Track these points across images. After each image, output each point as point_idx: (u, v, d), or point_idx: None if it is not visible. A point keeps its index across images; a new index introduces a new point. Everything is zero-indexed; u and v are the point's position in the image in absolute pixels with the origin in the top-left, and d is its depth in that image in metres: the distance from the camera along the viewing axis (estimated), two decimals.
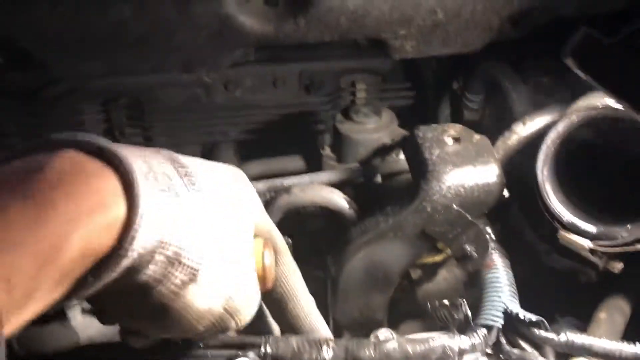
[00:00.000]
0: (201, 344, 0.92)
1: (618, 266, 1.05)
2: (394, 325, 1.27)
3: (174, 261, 0.68)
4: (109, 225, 0.61)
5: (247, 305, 0.80)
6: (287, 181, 1.27)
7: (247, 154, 1.92)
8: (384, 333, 1.10)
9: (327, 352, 0.93)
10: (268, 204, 1.18)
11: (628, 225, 1.02)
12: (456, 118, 1.75)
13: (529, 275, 1.23)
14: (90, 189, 0.61)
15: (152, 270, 0.67)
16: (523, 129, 1.22)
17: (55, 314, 1.21)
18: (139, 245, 0.63)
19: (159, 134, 1.85)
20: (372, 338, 1.07)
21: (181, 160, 0.77)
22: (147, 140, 1.86)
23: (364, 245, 1.11)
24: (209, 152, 1.94)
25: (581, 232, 1.05)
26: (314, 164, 1.68)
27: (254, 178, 1.71)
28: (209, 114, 1.85)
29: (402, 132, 1.55)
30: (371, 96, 1.87)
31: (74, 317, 1.21)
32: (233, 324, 0.80)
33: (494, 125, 1.68)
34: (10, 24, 1.17)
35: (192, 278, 0.70)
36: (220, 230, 0.75)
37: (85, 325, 1.22)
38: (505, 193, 1.21)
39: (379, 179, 1.36)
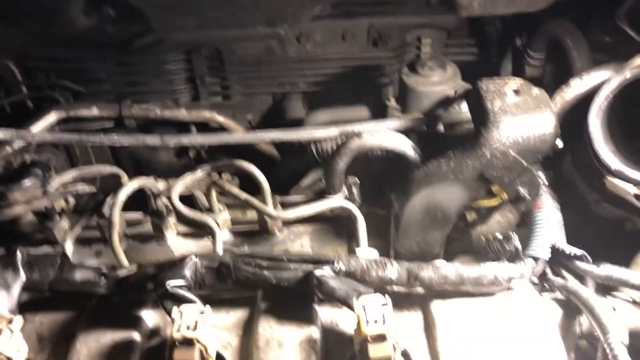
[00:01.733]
0: (285, 258, 1.09)
1: None
2: (449, 261, 1.41)
3: None
4: None
5: None
6: (357, 127, 1.39)
7: (315, 104, 2.07)
8: (440, 262, 1.24)
9: (392, 270, 1.07)
10: (340, 147, 1.31)
11: None
12: (518, 74, 1.83)
13: (578, 222, 1.34)
14: None
15: None
16: (580, 84, 1.30)
17: (155, 235, 1.40)
18: None
19: (235, 82, 2.02)
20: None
21: None
22: (225, 89, 2.03)
23: (426, 185, 1.23)
24: (280, 101, 2.10)
25: (627, 179, 1.14)
26: (378, 115, 1.81)
27: (322, 123, 1.86)
28: (281, 65, 2.00)
29: (465, 86, 1.65)
30: (436, 51, 1.97)
31: (170, 237, 1.40)
32: None
33: (554, 81, 1.76)
34: None
35: None
36: None
37: (178, 244, 1.41)
38: (560, 143, 1.32)
39: (441, 127, 1.47)
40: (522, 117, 1.16)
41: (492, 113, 1.17)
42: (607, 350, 0.90)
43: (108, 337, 1.03)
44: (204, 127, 2.10)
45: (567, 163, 1.39)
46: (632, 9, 0.82)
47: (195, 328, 0.94)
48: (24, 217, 1.41)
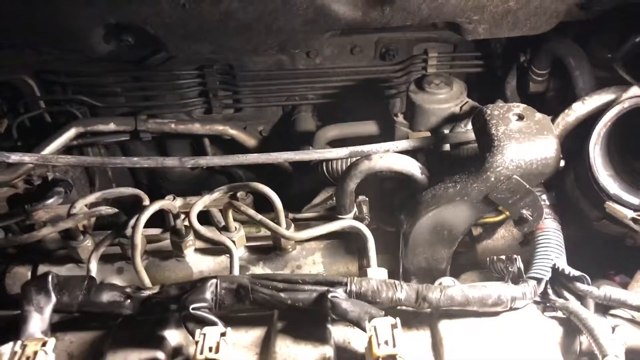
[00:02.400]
0: (300, 280, 1.15)
1: None
2: (455, 275, 1.46)
3: None
4: None
5: None
6: (367, 148, 1.45)
7: (324, 115, 2.13)
8: (447, 280, 1.30)
9: (401, 292, 1.13)
10: (350, 169, 1.37)
11: None
12: (523, 88, 1.89)
13: (581, 236, 1.39)
14: None
15: None
16: (582, 107, 1.35)
17: (174, 252, 1.47)
18: None
19: (246, 95, 2.08)
20: (437, 283, 1.28)
21: None
22: (236, 102, 2.09)
23: (433, 206, 1.29)
24: (290, 113, 2.16)
25: (625, 203, 1.20)
26: (386, 129, 1.86)
27: (330, 141, 1.92)
28: (291, 79, 2.07)
29: (471, 103, 1.70)
30: (442, 64, 2.02)
31: (188, 254, 1.47)
32: None
33: (557, 96, 1.81)
34: (139, 14, 1.38)
35: None
36: None
37: (197, 261, 1.48)
38: (562, 163, 1.37)
39: (448, 147, 1.53)
40: (525, 142, 1.21)
41: (496, 138, 1.22)
42: None
43: (134, 356, 1.09)
44: (217, 138, 2.18)
45: (570, 181, 1.45)
46: (628, 53, 0.87)
47: (217, 350, 1.00)
48: (48, 235, 1.48)
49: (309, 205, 1.60)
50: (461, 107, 1.69)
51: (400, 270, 1.43)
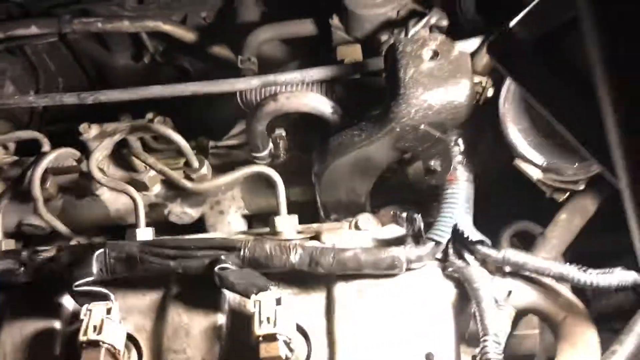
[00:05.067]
0: (192, 245, 1.12)
1: (562, 197, 1.12)
2: (377, 204, 1.42)
3: None
4: None
5: None
6: (279, 77, 1.32)
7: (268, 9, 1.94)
8: (364, 218, 1.26)
9: (295, 256, 1.10)
10: (256, 110, 1.27)
11: (575, 164, 1.06)
12: None
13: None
14: None
15: None
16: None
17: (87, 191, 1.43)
18: None
19: None
20: (353, 221, 1.24)
21: None
22: None
23: (341, 154, 1.21)
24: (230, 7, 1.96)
25: (532, 163, 1.10)
26: (325, 32, 1.69)
27: (265, 41, 1.76)
28: None
29: (411, 7, 1.51)
30: None
31: (103, 194, 1.43)
32: None
33: None
34: None
35: None
36: None
37: (113, 200, 1.44)
38: (491, 92, 1.25)
39: (371, 74, 1.39)
40: (434, 88, 1.09)
41: (402, 85, 1.10)
42: (482, 350, 0.95)
43: (30, 327, 1.11)
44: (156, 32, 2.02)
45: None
46: (496, 44, 0.73)
47: (100, 331, 1.01)
48: None
49: (227, 135, 1.51)
50: (398, 12, 1.51)
51: (319, 206, 1.39)
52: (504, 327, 1.02)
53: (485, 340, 0.96)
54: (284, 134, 1.38)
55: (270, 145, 1.37)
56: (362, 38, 1.57)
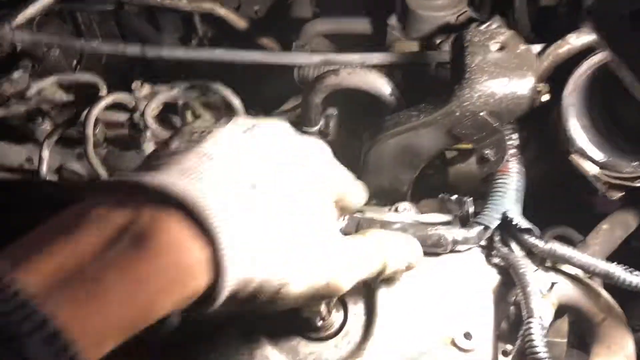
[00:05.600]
0: None
1: (617, 195, 1.13)
2: (417, 198, 1.42)
3: (259, 289, 0.69)
4: (197, 292, 0.64)
5: (341, 280, 0.81)
6: (341, 58, 1.34)
7: (324, 3, 1.99)
8: (404, 205, 1.27)
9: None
10: (315, 82, 1.29)
11: (634, 162, 1.07)
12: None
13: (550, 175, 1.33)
14: (182, 264, 0.62)
15: (238, 300, 0.69)
16: (576, 40, 1.22)
17: (132, 143, 1.44)
18: (221, 299, 0.66)
19: None
20: (393, 208, 1.25)
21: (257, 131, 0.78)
22: None
23: (395, 134, 1.22)
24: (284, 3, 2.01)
25: (590, 159, 1.12)
26: (380, 31, 1.73)
27: (322, 34, 1.80)
28: None
29: (469, 14, 1.56)
30: None
31: (147, 149, 1.44)
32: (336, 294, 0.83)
33: (569, 13, 1.64)
34: None
35: (279, 290, 0.71)
36: (304, 226, 0.74)
37: None
38: (546, 97, 1.27)
39: (433, 65, 1.42)
40: (499, 77, 1.11)
41: (468, 70, 1.12)
42: (525, 332, 0.95)
43: None
44: (210, 16, 2.06)
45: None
46: (596, 9, 0.75)
47: None
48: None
49: (277, 110, 1.53)
50: (457, 17, 1.55)
51: None
52: (547, 315, 1.01)
53: (529, 322, 0.95)
54: (335, 113, 1.40)
55: (322, 122, 1.39)
56: (418, 39, 1.60)
